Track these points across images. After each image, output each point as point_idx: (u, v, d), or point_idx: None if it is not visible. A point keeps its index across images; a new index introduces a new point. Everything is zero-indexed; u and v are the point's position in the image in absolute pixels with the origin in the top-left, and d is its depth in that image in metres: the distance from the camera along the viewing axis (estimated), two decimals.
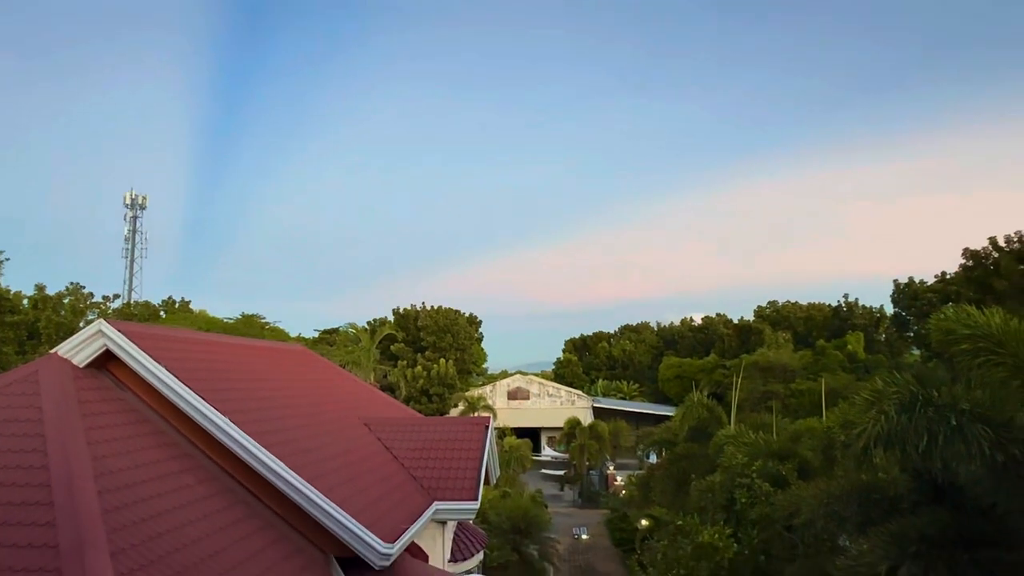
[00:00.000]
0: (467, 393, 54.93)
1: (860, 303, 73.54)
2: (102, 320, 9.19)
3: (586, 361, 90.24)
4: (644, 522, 27.91)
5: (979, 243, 40.15)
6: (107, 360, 9.18)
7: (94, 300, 45.61)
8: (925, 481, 9.73)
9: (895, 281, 65.28)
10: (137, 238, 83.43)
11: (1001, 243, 38.75)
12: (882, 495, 9.83)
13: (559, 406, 61.88)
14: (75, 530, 5.61)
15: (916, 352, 61.78)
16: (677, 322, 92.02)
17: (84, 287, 45.51)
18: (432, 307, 66.92)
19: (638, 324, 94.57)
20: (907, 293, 64.03)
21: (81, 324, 37.46)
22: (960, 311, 9.10)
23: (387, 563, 8.88)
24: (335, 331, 66.17)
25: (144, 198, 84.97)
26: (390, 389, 53.02)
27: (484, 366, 75.59)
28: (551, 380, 71.87)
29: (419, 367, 56.35)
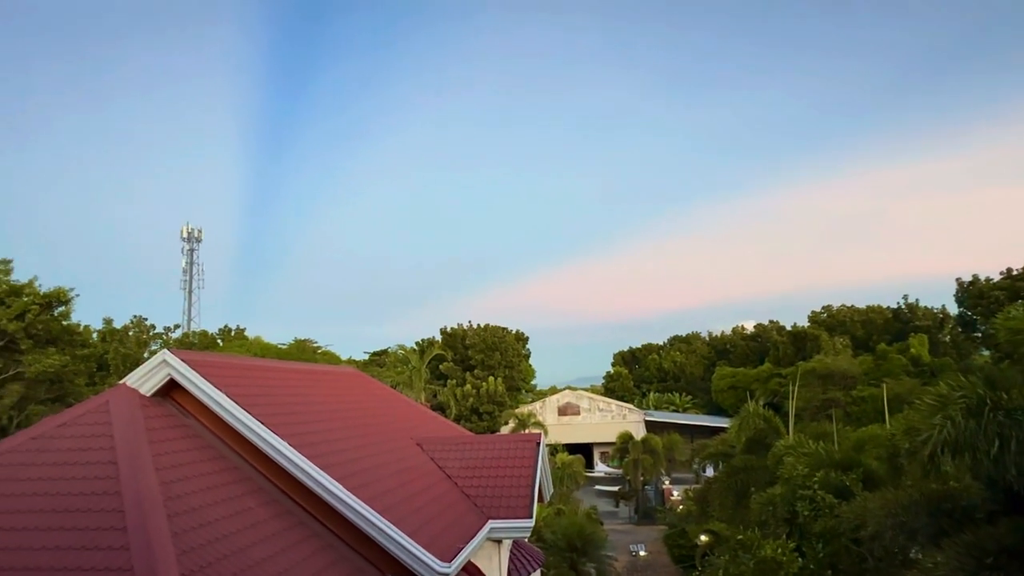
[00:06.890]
0: (517, 410, 54.88)
1: (921, 304, 70.69)
2: (166, 350, 9.59)
3: (636, 374, 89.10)
4: (703, 538, 27.24)
5: None
6: (171, 388, 9.58)
7: (156, 331, 47.86)
8: (1000, 489, 9.25)
9: (958, 280, 62.64)
10: (194, 270, 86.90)
11: None
12: (954, 505, 9.38)
13: (610, 420, 61.16)
14: (147, 553, 5.87)
15: (985, 353, 58.83)
16: (728, 331, 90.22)
17: (146, 319, 47.89)
18: (479, 325, 67.33)
19: (688, 334, 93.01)
20: (972, 292, 61.23)
21: (145, 355, 39.19)
22: None
23: None
24: (385, 352, 67.20)
25: (200, 231, 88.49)
26: (440, 408, 53.37)
27: (533, 382, 75.45)
28: (601, 394, 71.19)
29: (468, 385, 56.63)
